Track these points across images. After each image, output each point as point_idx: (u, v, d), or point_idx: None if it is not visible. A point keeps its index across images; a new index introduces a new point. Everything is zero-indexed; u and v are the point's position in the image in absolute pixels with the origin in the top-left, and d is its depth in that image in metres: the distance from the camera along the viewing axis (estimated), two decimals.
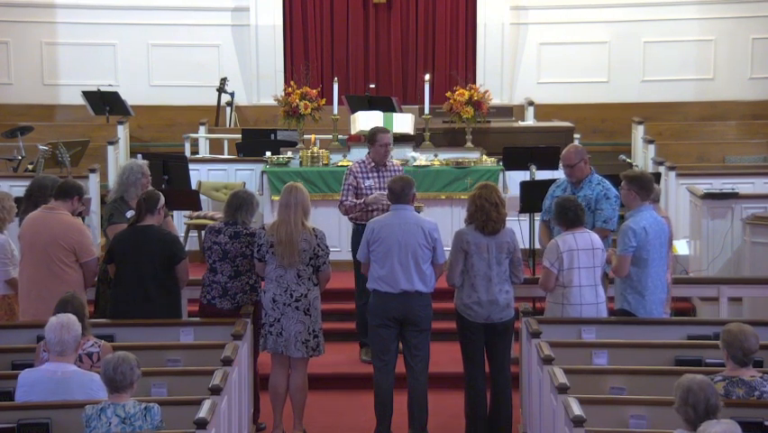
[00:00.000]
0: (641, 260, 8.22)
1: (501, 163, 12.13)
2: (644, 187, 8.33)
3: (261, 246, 8.35)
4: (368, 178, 9.81)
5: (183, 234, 12.29)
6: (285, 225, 8.27)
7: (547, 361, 7.27)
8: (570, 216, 8.27)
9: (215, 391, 6.74)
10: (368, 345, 9.42)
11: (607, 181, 8.94)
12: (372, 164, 9.85)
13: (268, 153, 12.40)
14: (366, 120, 12.75)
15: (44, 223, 8.47)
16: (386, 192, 8.86)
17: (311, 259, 8.30)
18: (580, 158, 8.93)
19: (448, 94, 12.99)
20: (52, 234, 8.39)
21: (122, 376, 6.15)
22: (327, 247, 8.41)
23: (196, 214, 12.57)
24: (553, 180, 9.59)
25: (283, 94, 12.91)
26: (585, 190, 8.85)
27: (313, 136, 12.74)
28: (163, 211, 8.50)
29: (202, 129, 15.29)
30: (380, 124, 12.54)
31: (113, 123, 15.38)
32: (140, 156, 12.73)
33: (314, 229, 8.33)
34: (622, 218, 8.94)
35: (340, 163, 12.29)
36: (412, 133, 12.76)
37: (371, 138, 9.90)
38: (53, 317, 6.65)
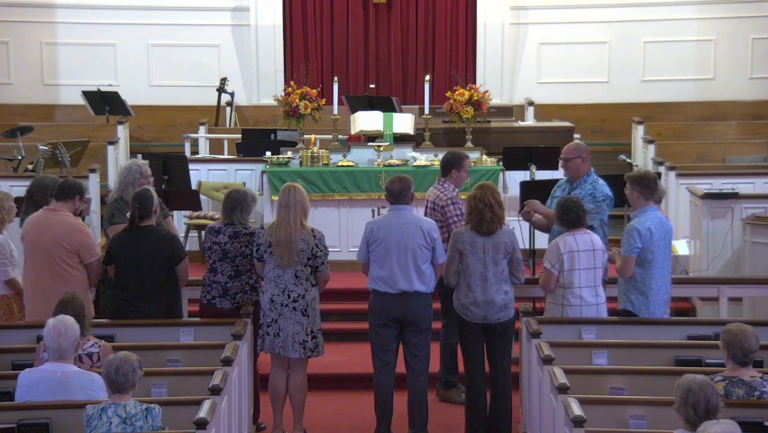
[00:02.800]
0: (645, 261, 8.22)
1: (501, 163, 12.13)
2: (647, 186, 8.32)
3: (260, 246, 8.35)
4: (459, 204, 9.06)
5: (183, 235, 12.29)
6: (284, 225, 8.26)
7: (547, 361, 7.27)
8: (571, 216, 8.27)
9: (215, 391, 6.74)
10: (453, 384, 9.28)
11: (600, 182, 8.89)
12: (457, 191, 9.16)
13: (268, 153, 12.40)
14: (366, 120, 12.76)
15: (46, 224, 8.46)
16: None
17: (309, 259, 8.29)
18: (578, 154, 8.92)
19: (448, 94, 12.99)
20: (55, 235, 8.39)
21: (123, 378, 6.15)
22: (326, 248, 8.39)
23: (196, 214, 12.57)
24: (552, 180, 9.59)
25: (283, 94, 12.90)
26: (578, 190, 8.84)
27: (313, 136, 12.74)
28: (159, 210, 8.49)
29: (202, 129, 15.29)
30: (380, 125, 12.57)
31: (113, 123, 15.39)
32: (140, 156, 12.74)
33: (312, 230, 8.32)
34: (622, 218, 8.94)
35: (340, 163, 12.29)
36: (412, 133, 12.76)
37: (457, 163, 9.13)
38: (50, 321, 6.63)
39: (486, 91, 13.05)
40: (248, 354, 8.33)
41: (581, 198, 8.71)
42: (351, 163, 12.31)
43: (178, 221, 12.44)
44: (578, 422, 6.14)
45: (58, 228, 8.42)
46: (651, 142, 14.40)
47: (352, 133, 13.02)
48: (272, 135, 14.23)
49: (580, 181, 8.90)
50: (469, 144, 12.75)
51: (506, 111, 14.59)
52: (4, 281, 8.76)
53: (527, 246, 10.76)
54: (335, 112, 12.81)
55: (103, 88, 15.78)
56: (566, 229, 8.32)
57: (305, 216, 8.33)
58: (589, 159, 8.99)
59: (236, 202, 8.54)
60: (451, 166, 9.15)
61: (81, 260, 8.44)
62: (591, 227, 8.49)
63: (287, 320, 8.29)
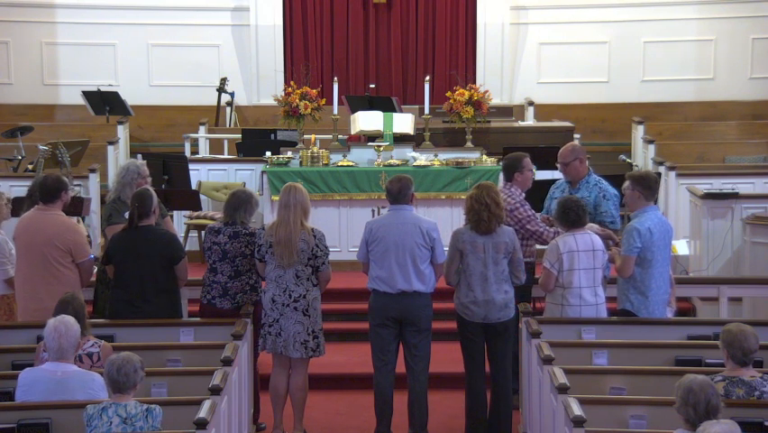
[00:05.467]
0: (645, 260, 8.21)
1: (501, 163, 12.12)
2: (649, 187, 8.32)
3: (261, 247, 8.34)
4: (528, 206, 8.91)
5: (183, 235, 12.29)
6: (284, 225, 8.26)
7: (547, 361, 7.27)
8: (571, 216, 8.26)
9: (215, 391, 6.74)
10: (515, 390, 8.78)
11: (604, 182, 8.94)
12: (524, 195, 8.93)
13: (268, 153, 12.40)
14: (366, 120, 12.76)
15: (38, 224, 8.42)
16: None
17: (309, 259, 8.29)
18: (575, 156, 8.94)
19: (448, 94, 12.99)
20: (47, 235, 8.36)
21: (125, 378, 6.16)
22: (326, 248, 8.39)
23: (196, 214, 12.57)
24: (553, 181, 9.58)
25: (283, 94, 12.90)
26: (582, 192, 8.85)
27: (313, 136, 12.74)
28: (158, 210, 8.48)
29: (202, 129, 15.29)
30: (380, 125, 12.56)
31: (113, 123, 15.40)
32: (140, 156, 12.76)
33: (312, 229, 8.32)
34: (624, 218, 8.95)
35: (340, 163, 12.29)
36: (412, 133, 12.76)
37: (516, 165, 8.95)
38: (51, 321, 6.63)
39: (486, 91, 13.05)
40: (248, 354, 8.33)
41: (590, 201, 8.74)
42: (351, 163, 12.30)
43: (178, 221, 12.44)
44: (578, 422, 6.14)
45: (50, 227, 8.39)
46: (651, 142, 14.40)
47: (352, 133, 13.02)
48: (272, 135, 14.23)
49: (582, 183, 8.91)
50: (469, 144, 12.76)
51: (506, 111, 14.60)
52: (4, 280, 8.76)
53: None
54: (335, 112, 12.81)
55: (103, 88, 15.77)
56: (566, 229, 8.32)
57: (305, 215, 8.32)
58: (586, 159, 9.02)
59: (241, 201, 8.54)
60: (513, 170, 8.99)
61: (73, 259, 8.42)
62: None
63: (288, 320, 8.29)
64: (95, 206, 12.11)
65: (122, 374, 6.15)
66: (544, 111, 16.10)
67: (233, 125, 16.13)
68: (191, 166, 12.68)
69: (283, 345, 8.32)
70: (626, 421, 6.44)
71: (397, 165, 12.19)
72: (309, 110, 12.67)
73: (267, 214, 12.06)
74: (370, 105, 13.47)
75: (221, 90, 16.09)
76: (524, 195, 8.96)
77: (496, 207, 8.18)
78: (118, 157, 14.27)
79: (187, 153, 14.24)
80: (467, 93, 12.81)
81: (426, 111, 12.84)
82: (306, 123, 12.94)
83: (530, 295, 8.91)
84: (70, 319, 6.65)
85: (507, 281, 8.27)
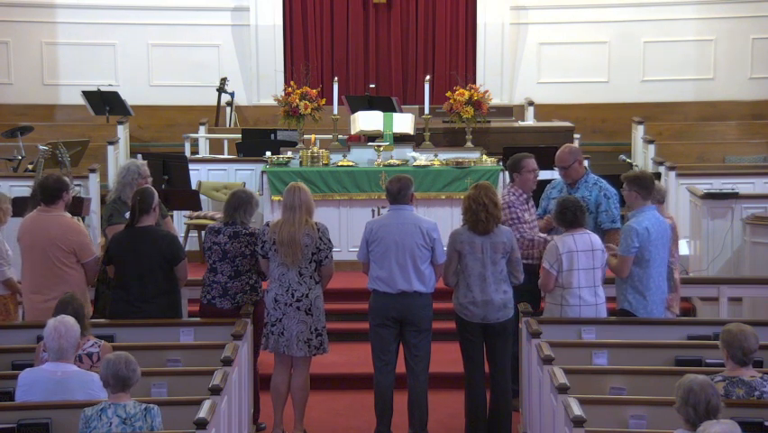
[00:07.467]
0: (643, 260, 8.21)
1: (501, 163, 12.14)
2: (645, 186, 8.32)
3: (265, 243, 8.35)
4: (526, 210, 8.93)
5: (183, 235, 12.29)
6: (288, 225, 8.26)
7: (547, 361, 7.27)
8: (568, 216, 8.26)
9: (215, 391, 6.75)
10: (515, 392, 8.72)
11: (603, 181, 8.95)
12: (525, 195, 8.94)
13: (268, 153, 12.40)
14: (366, 120, 12.77)
15: (41, 225, 8.42)
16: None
17: (314, 254, 8.29)
18: (575, 159, 8.96)
19: (448, 94, 12.99)
20: (51, 236, 8.36)
21: (132, 373, 6.18)
22: (330, 241, 8.39)
23: (196, 214, 12.57)
24: (550, 180, 9.60)
25: (283, 94, 12.91)
26: (582, 191, 8.86)
27: (313, 136, 12.74)
28: (158, 208, 8.48)
29: (202, 129, 15.30)
30: (380, 125, 12.56)
31: (113, 123, 15.40)
32: (140, 156, 12.76)
33: (316, 224, 8.32)
34: (623, 218, 8.95)
35: (340, 163, 12.29)
36: (412, 133, 12.76)
37: (516, 166, 8.95)
38: (50, 322, 6.62)
39: (486, 91, 13.06)
40: (248, 354, 8.33)
41: (591, 201, 8.76)
42: (351, 163, 12.30)
43: (178, 221, 12.44)
44: (578, 422, 6.14)
45: (53, 229, 8.39)
46: (651, 142, 14.41)
47: (352, 133, 13.03)
48: (272, 135, 14.23)
49: (581, 182, 8.92)
50: (469, 144, 12.76)
51: (506, 111, 14.60)
52: (1, 282, 8.74)
53: None
54: (335, 112, 12.81)
55: (103, 88, 15.78)
56: (564, 229, 8.33)
57: (310, 216, 8.33)
58: (584, 158, 9.07)
59: (241, 201, 8.55)
60: (511, 170, 9.05)
61: (78, 259, 8.42)
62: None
63: (291, 319, 8.30)
64: (95, 206, 12.11)
65: (130, 370, 6.16)
66: (543, 111, 16.10)
67: (233, 125, 16.13)
68: (191, 166, 12.68)
69: (286, 344, 8.33)
70: (626, 421, 6.44)
71: (397, 165, 12.19)
72: (309, 110, 12.68)
73: (267, 214, 12.06)
74: (370, 105, 13.47)
75: (221, 90, 16.09)
76: (525, 195, 8.96)
77: (494, 207, 8.18)
78: (118, 157, 14.28)
79: (187, 153, 14.25)
80: (467, 93, 12.81)
81: (426, 111, 12.84)
82: (306, 123, 12.95)
83: (539, 298, 8.84)
84: (70, 320, 6.65)
85: (505, 281, 8.27)
